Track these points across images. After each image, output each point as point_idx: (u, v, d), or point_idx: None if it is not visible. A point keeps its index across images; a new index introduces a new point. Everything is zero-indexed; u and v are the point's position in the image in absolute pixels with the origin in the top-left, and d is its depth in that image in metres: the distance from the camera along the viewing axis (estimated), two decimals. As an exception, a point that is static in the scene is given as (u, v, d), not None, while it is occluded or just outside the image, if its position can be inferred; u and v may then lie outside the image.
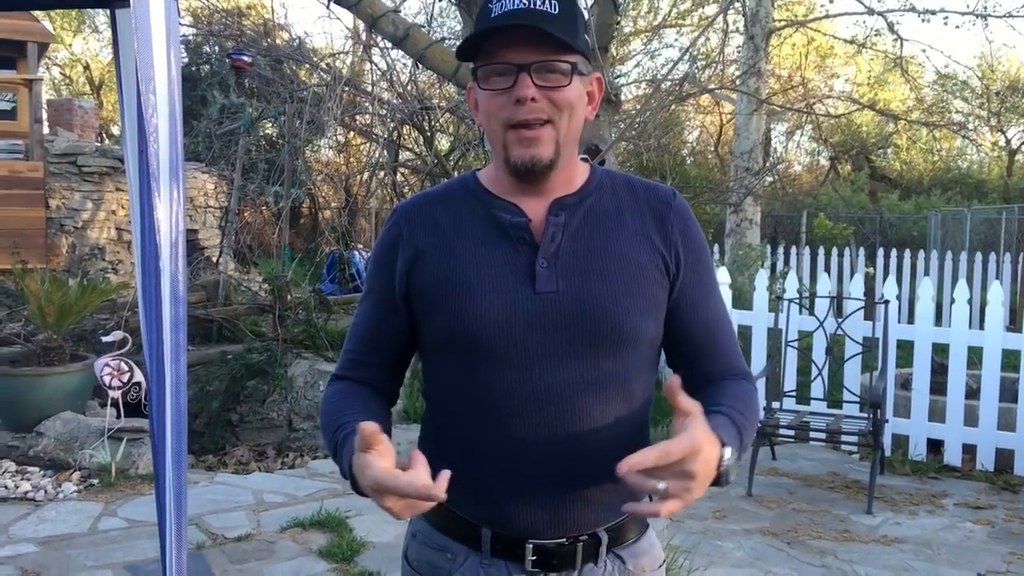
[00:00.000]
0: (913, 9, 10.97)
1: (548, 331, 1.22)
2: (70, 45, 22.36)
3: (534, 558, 1.25)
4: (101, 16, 21.32)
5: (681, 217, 1.31)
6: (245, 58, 9.07)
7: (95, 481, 4.54)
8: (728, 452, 1.12)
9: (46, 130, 9.91)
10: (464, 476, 1.17)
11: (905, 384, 5.42)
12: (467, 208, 1.30)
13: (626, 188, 1.33)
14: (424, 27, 9.05)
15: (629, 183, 1.34)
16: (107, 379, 4.84)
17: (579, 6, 1.26)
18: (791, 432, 4.85)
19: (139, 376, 4.92)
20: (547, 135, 1.21)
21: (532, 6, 1.18)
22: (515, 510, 1.24)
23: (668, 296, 1.29)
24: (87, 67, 22.42)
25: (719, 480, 1.12)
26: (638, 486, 1.04)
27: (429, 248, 1.28)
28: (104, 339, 5.16)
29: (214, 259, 10.08)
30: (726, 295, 5.76)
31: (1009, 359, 5.08)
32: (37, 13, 10.64)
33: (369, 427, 1.07)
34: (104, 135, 17.99)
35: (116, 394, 4.84)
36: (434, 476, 1.08)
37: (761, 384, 5.15)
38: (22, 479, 4.52)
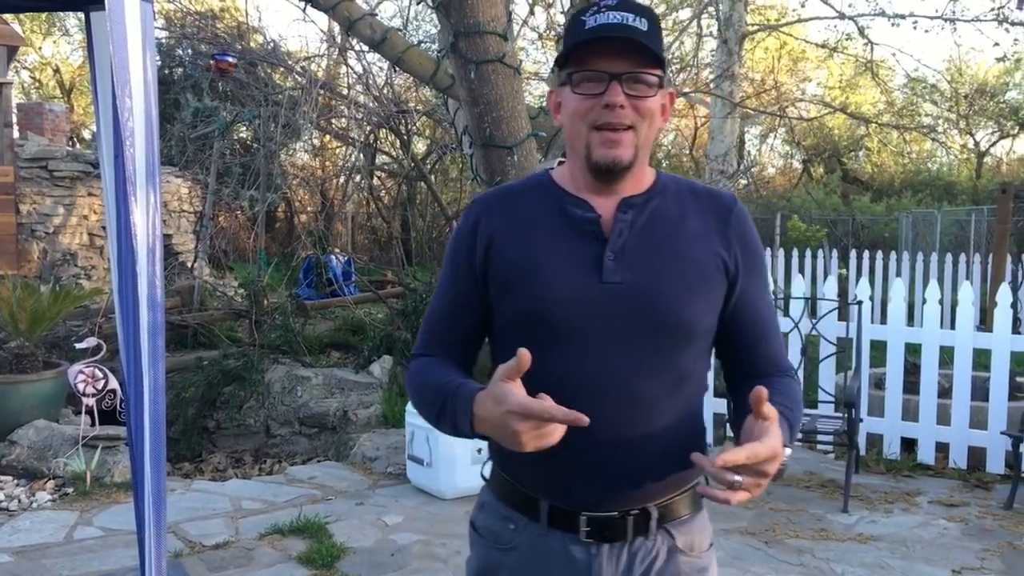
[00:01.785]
0: (883, 13, 11.14)
1: (612, 319, 1.32)
2: (40, 48, 22.08)
3: (587, 529, 1.34)
4: (72, 19, 21.08)
5: (741, 222, 1.41)
6: (229, 59, 8.90)
7: (70, 490, 4.48)
8: (788, 452, 1.23)
9: (16, 134, 9.77)
10: (526, 452, 1.29)
11: (879, 384, 5.48)
12: (542, 202, 1.40)
13: (689, 193, 1.42)
14: (401, 31, 9.04)
15: (692, 188, 1.44)
16: (81, 386, 4.78)
17: (661, 27, 1.36)
18: (768, 432, 4.88)
19: (114, 383, 4.87)
20: (629, 139, 1.32)
21: (625, 22, 1.29)
22: (572, 485, 1.33)
23: (725, 295, 1.39)
24: (57, 70, 22.14)
25: (777, 476, 1.22)
26: (717, 477, 1.16)
27: (505, 235, 1.39)
28: (78, 346, 5.09)
29: (189, 264, 9.99)
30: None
31: (980, 358, 5.16)
32: (6, 16, 10.49)
33: (526, 353, 1.17)
34: (75, 139, 17.78)
35: (90, 401, 4.78)
36: (507, 459, 1.34)
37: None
38: (-6, 488, 4.45)
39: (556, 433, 1.19)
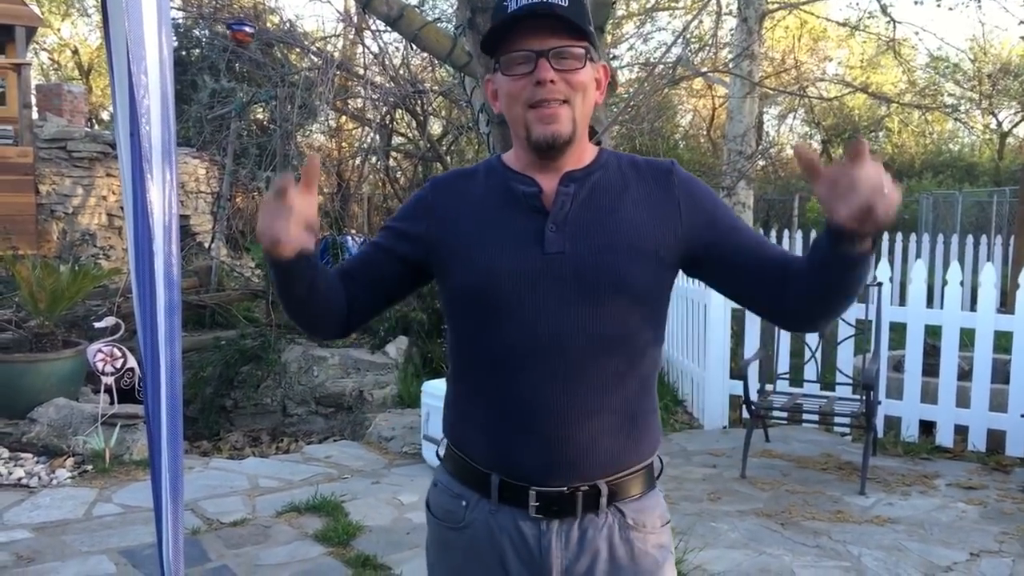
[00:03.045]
0: (906, -9, 10.95)
1: (554, 287, 1.33)
2: (58, 29, 22.14)
3: (537, 504, 1.34)
4: (90, 0, 21.12)
5: (683, 179, 1.44)
6: (246, 28, 8.80)
7: (89, 467, 4.53)
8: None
9: (35, 115, 9.82)
10: (477, 423, 1.37)
11: (897, 366, 5.44)
12: (488, 181, 1.44)
13: (630, 164, 1.45)
14: (418, 8, 8.99)
15: (632, 160, 1.46)
16: (100, 365, 4.82)
17: (585, 2, 1.39)
18: (784, 414, 4.87)
19: (132, 362, 4.90)
20: (565, 114, 1.34)
21: (544, 0, 1.31)
22: (519, 456, 1.35)
23: (688, 249, 1.39)
24: (76, 52, 22.22)
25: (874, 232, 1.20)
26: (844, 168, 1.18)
27: (454, 215, 1.42)
28: (96, 325, 5.13)
29: (206, 245, 10.04)
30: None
31: (1000, 341, 5.10)
32: (25, -3, 10.52)
33: (285, 179, 1.24)
34: (94, 120, 17.86)
35: (109, 380, 4.82)
36: (461, 436, 1.41)
37: (754, 367, 5.16)
38: (15, 465, 4.51)
39: (279, 227, 1.24)
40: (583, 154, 1.42)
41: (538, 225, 1.36)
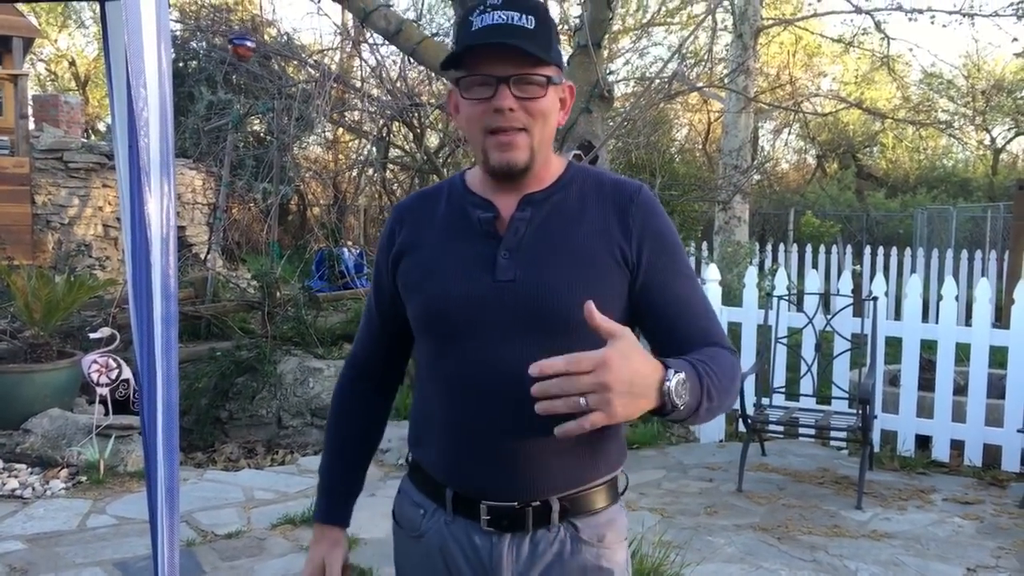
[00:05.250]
0: (900, 8, 11.04)
1: (504, 315, 1.32)
2: (55, 40, 22.18)
3: (488, 517, 1.36)
4: (87, 11, 21.17)
5: (643, 210, 1.37)
6: (248, 43, 8.80)
7: (83, 478, 4.51)
8: (673, 374, 1.11)
9: (32, 126, 9.83)
10: (432, 438, 1.40)
11: (893, 380, 5.45)
12: (448, 205, 1.43)
13: (595, 185, 1.41)
14: (416, 22, 9.02)
15: (599, 180, 1.42)
16: (95, 376, 4.81)
17: (552, 20, 1.34)
18: (780, 428, 4.87)
19: (127, 373, 4.89)
20: (522, 141, 1.32)
21: (510, 22, 1.27)
22: (471, 472, 1.37)
23: (631, 286, 1.35)
24: (72, 63, 22.26)
25: (664, 407, 1.11)
26: (552, 407, 1.06)
27: (413, 241, 1.43)
28: (92, 335, 5.12)
29: (202, 256, 10.03)
30: (715, 292, 5.77)
31: (996, 355, 5.12)
32: (22, 7, 10.55)
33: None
34: (90, 131, 17.87)
35: (104, 391, 4.81)
36: (419, 447, 1.46)
37: (751, 381, 5.17)
38: (9, 476, 4.48)
39: None
40: (546, 174, 1.39)
41: (491, 251, 1.35)
